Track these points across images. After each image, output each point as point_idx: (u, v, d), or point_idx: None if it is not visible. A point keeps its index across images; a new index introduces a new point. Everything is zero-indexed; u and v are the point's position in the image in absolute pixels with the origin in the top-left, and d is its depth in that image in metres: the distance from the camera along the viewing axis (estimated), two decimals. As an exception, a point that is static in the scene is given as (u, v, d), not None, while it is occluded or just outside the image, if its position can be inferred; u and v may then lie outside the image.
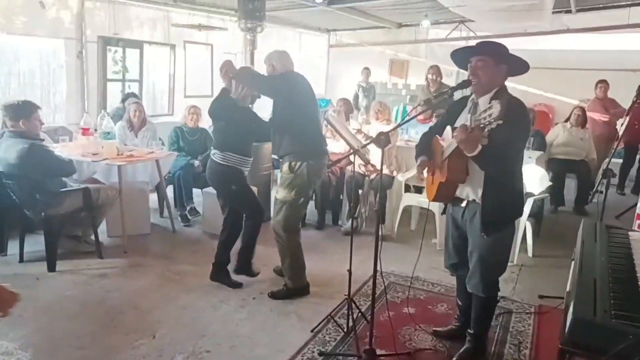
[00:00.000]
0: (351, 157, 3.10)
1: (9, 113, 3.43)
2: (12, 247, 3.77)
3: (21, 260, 3.67)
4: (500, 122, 2.06)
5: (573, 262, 2.32)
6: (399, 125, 3.44)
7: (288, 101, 3.06)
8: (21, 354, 2.54)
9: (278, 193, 3.21)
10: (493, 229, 2.34)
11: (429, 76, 5.80)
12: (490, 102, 2.27)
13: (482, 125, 2.13)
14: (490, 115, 2.11)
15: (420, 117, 5.38)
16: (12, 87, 5.38)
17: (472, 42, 2.41)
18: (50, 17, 5.40)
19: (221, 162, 3.27)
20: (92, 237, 3.88)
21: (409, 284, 3.53)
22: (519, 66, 2.30)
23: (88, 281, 3.42)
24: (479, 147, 2.18)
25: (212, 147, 3.40)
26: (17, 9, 5.04)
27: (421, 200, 4.47)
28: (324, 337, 2.80)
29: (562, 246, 4.17)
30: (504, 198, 2.32)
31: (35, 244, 3.79)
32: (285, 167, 3.15)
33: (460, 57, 2.37)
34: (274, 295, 3.26)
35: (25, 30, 5.18)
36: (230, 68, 3.21)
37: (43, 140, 3.74)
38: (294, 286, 3.27)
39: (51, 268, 3.54)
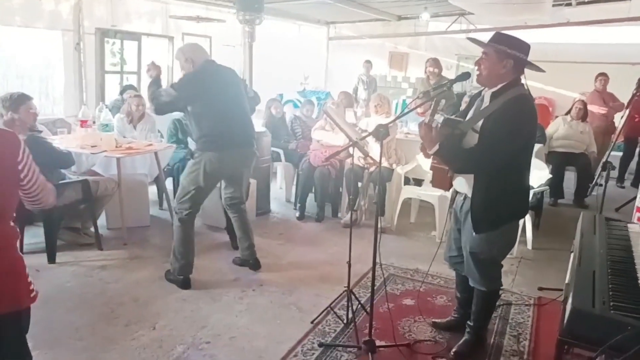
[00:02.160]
0: (350, 150, 3.09)
1: (1, 105, 3.42)
2: (12, 239, 3.76)
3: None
4: (435, 122, 2.21)
5: (572, 255, 2.33)
6: (398, 117, 3.43)
7: (192, 101, 3.16)
8: (21, 345, 2.54)
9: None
10: (484, 226, 2.31)
11: (429, 69, 5.78)
12: (490, 98, 2.27)
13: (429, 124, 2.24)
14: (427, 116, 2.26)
15: (420, 109, 5.36)
16: (10, 79, 5.36)
17: (473, 35, 2.39)
18: (48, 9, 5.35)
19: None
20: (92, 229, 3.88)
21: (409, 276, 3.54)
22: (531, 66, 2.25)
23: (88, 273, 3.43)
24: (436, 147, 2.24)
25: None
26: (15, 1, 5.00)
27: (421, 192, 4.47)
28: (324, 328, 2.80)
29: (562, 239, 4.17)
30: (496, 196, 2.26)
31: (35, 235, 3.79)
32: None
33: (477, 43, 2.34)
34: (165, 275, 3.33)
35: (23, 22, 5.14)
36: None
37: (41, 132, 3.73)
38: (172, 276, 3.27)
39: (51, 260, 3.54)
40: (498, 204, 2.28)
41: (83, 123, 4.40)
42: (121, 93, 5.72)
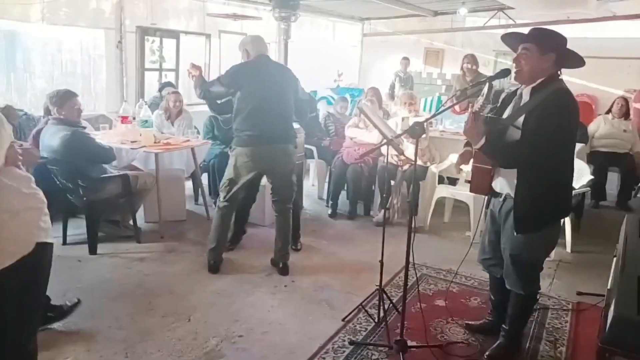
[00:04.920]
0: (383, 148, 3.07)
1: (49, 102, 3.58)
2: (56, 230, 3.86)
3: (64, 242, 3.82)
4: (487, 109, 2.08)
5: (615, 259, 2.25)
6: (434, 115, 3.39)
7: (232, 91, 3.27)
8: (65, 332, 2.65)
9: None
10: (526, 227, 2.24)
11: (465, 65, 5.65)
12: (530, 93, 2.21)
13: (477, 112, 2.13)
14: (478, 102, 2.13)
15: (457, 108, 5.28)
16: (55, 76, 5.58)
17: (514, 30, 2.34)
18: (91, 7, 5.55)
19: None
20: (131, 222, 4.00)
21: (442, 276, 3.50)
22: (572, 59, 2.19)
23: (127, 264, 3.54)
24: (482, 141, 2.16)
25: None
26: (60, 1, 5.20)
27: (455, 192, 4.40)
28: (355, 326, 2.81)
29: (603, 242, 4.03)
30: (539, 194, 2.20)
31: (78, 227, 3.94)
32: None
33: (510, 42, 2.30)
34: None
35: (68, 20, 5.35)
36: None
37: (85, 127, 3.86)
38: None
39: (92, 251, 3.68)
40: (542, 202, 2.22)
41: (124, 119, 4.54)
42: (160, 90, 5.87)
